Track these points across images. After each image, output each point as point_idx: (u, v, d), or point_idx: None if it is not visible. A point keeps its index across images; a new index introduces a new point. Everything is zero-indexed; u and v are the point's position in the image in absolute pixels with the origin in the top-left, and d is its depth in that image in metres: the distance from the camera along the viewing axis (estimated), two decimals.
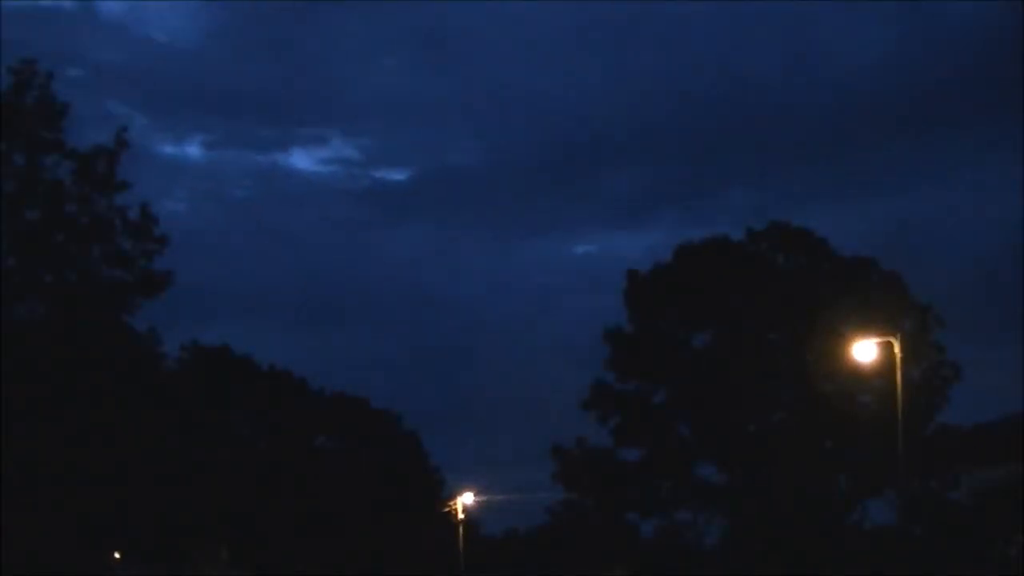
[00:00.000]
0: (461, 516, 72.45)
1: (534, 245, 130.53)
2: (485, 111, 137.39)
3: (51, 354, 36.11)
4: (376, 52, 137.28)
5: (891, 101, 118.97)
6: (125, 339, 38.11)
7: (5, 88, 35.42)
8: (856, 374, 49.49)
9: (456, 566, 72.05)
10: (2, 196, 34.99)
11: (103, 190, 36.10)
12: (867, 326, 40.97)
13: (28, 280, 35.75)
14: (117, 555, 51.57)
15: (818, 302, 54.86)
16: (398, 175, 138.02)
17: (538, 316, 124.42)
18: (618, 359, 58.61)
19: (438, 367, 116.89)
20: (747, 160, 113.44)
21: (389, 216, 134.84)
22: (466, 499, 73.51)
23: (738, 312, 56.83)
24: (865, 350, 36.62)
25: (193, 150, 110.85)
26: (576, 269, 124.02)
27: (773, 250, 58.91)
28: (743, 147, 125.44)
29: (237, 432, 74.83)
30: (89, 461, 35.93)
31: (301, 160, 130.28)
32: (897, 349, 35.61)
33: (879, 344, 36.23)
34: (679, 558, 58.05)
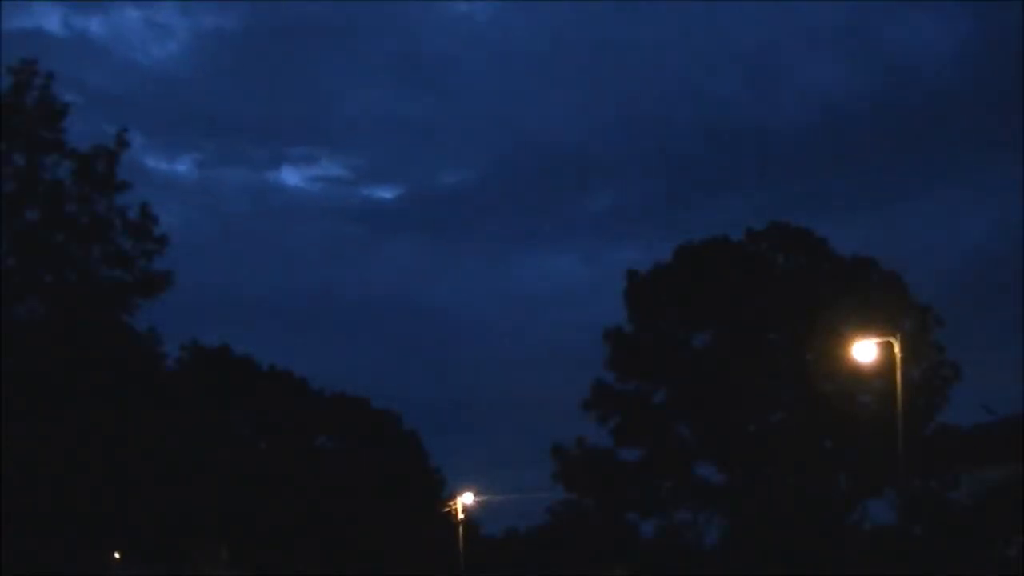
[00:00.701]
0: (461, 516, 72.45)
1: (520, 258, 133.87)
2: (469, 132, 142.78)
3: (51, 354, 36.11)
4: (362, 76, 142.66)
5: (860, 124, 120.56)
6: (125, 339, 38.10)
7: (5, 88, 35.43)
8: (856, 374, 49.47)
9: (456, 566, 72.05)
10: (2, 196, 34.98)
11: (103, 190, 36.09)
12: (867, 326, 40.97)
13: (28, 280, 35.73)
14: (117, 555, 51.58)
15: (818, 302, 54.85)
16: (387, 193, 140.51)
17: (527, 323, 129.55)
18: (618, 359, 58.60)
19: (434, 370, 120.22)
20: (721, 176, 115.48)
21: (379, 231, 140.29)
22: (466, 499, 73.53)
23: (738, 312, 56.80)
24: (865, 350, 36.61)
25: (185, 168, 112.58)
26: (561, 279, 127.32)
27: (773, 250, 58.91)
28: (716, 164, 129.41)
29: (237, 432, 74.83)
30: (89, 461, 35.93)
31: (291, 177, 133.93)
32: (897, 349, 35.61)
33: (879, 344, 36.22)
34: (679, 558, 58.04)
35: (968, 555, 25.59)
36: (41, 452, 35.26)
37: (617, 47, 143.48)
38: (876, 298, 54.21)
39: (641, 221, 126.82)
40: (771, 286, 56.77)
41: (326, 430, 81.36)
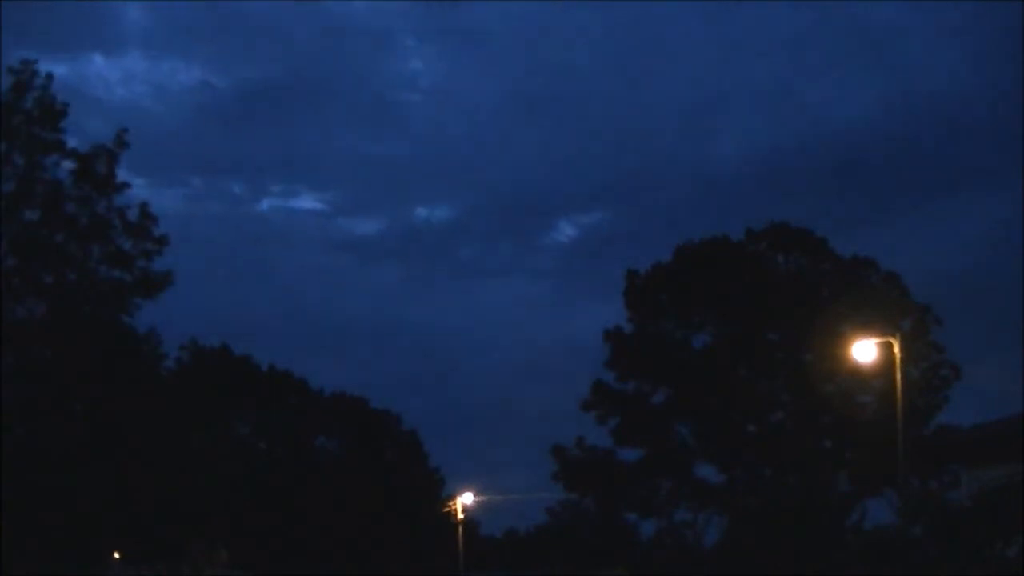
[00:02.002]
0: (461, 516, 72.43)
1: (496, 285, 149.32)
2: (444, 170, 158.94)
3: (51, 354, 36.12)
4: (336, 123, 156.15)
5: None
6: (125, 339, 38.10)
7: (5, 88, 35.45)
8: (856, 374, 49.48)
9: (456, 566, 72.02)
10: (2, 196, 34.98)
11: (103, 190, 36.09)
12: (867, 326, 40.95)
13: (28, 280, 35.73)
14: (117, 555, 51.55)
15: (818, 302, 54.88)
16: (367, 227, 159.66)
17: (502, 337, 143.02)
18: (618, 359, 58.59)
19: (426, 380, 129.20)
20: (665, 210, 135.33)
21: (362, 260, 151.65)
22: (466, 499, 73.49)
23: (738, 312, 56.80)
24: (865, 350, 36.56)
25: (172, 203, 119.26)
26: (530, 301, 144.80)
27: (773, 250, 58.90)
28: (660, 200, 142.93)
29: (237, 432, 74.85)
30: (89, 461, 35.93)
31: (275, 213, 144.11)
32: (897, 349, 35.58)
33: (879, 344, 36.18)
34: (679, 558, 57.99)
35: (968, 555, 25.59)
36: (41, 452, 35.28)
37: (567, 99, 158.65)
38: (876, 298, 54.21)
39: (600, 251, 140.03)
40: (771, 286, 56.75)
41: (326, 430, 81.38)
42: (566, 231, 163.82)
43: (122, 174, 36.45)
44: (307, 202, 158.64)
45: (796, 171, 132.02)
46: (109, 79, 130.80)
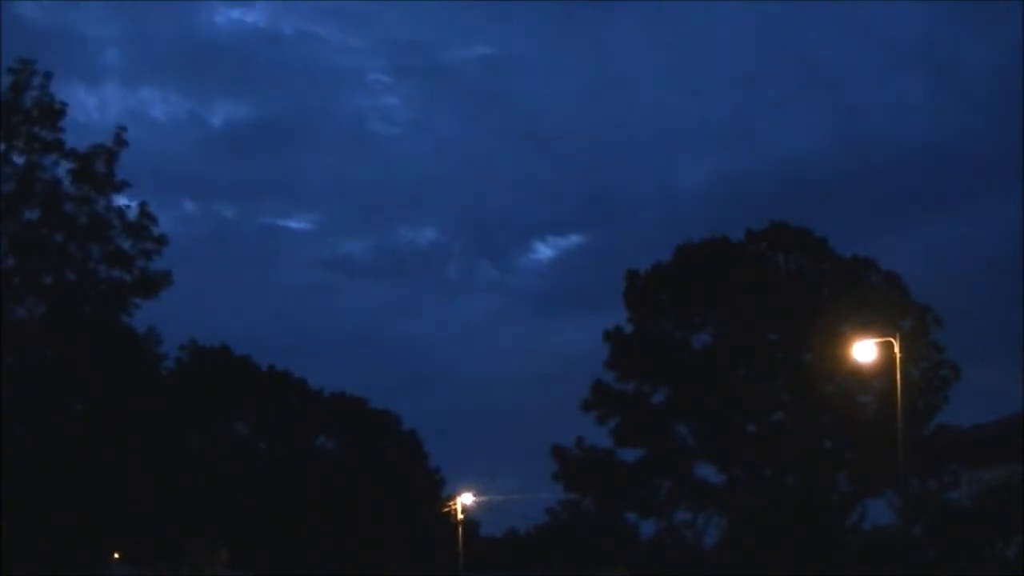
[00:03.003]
0: (461, 516, 72.45)
1: (471, 297, 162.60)
2: (424, 196, 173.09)
3: (51, 354, 36.11)
4: (319, 152, 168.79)
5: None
6: (125, 339, 38.09)
7: (4, 88, 35.42)
8: (856, 374, 49.44)
9: (456, 566, 72.05)
10: (2, 196, 34.97)
11: (102, 190, 36.07)
12: (867, 326, 40.94)
13: (28, 280, 35.72)
14: (117, 555, 51.56)
15: (818, 302, 54.85)
16: (354, 247, 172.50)
17: (486, 346, 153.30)
18: (617, 359, 58.56)
19: (420, 386, 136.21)
20: (641, 229, 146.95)
21: (350, 278, 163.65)
22: (466, 499, 73.53)
23: (738, 312, 56.76)
24: (865, 350, 36.55)
25: (165, 226, 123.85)
26: (516, 319, 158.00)
27: (773, 250, 58.87)
28: (634, 220, 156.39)
29: (237, 432, 74.86)
30: (89, 461, 35.92)
31: (264, 232, 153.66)
32: (897, 349, 35.56)
33: (879, 344, 36.16)
34: (679, 558, 57.95)
35: (968, 555, 25.57)
36: (41, 452, 35.26)
37: (540, 132, 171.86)
38: (876, 298, 54.19)
39: (575, 269, 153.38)
40: (771, 286, 56.71)
41: (326, 430, 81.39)
42: (543, 252, 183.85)
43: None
44: (296, 223, 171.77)
45: (753, 195, 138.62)
46: (88, 107, 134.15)
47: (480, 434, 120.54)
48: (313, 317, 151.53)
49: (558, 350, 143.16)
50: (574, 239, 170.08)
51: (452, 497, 75.63)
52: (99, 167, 35.78)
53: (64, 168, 35.63)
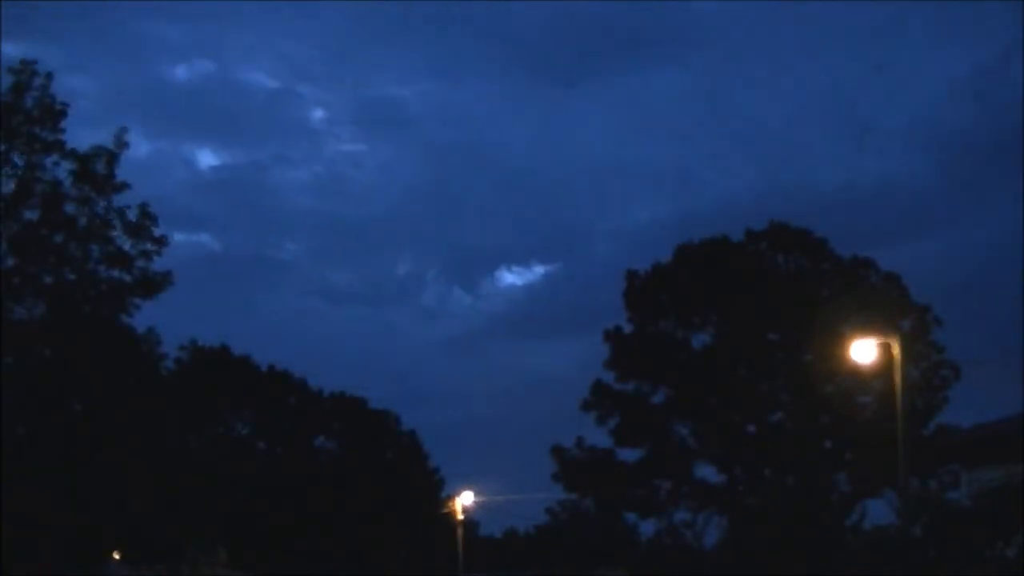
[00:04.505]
0: (461, 516, 72.44)
1: (454, 325, 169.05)
2: (397, 231, 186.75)
3: (51, 354, 36.12)
4: (297, 191, 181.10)
5: None
6: (125, 339, 38.11)
7: (5, 88, 35.43)
8: (856, 374, 49.43)
9: (456, 566, 72.04)
10: (2, 196, 34.98)
11: (102, 190, 36.08)
12: (867, 326, 40.88)
13: (28, 280, 35.72)
14: (117, 555, 51.59)
15: (818, 302, 54.83)
16: (338, 278, 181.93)
17: (470, 359, 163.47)
18: (617, 359, 58.57)
19: (416, 394, 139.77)
20: (598, 258, 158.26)
21: (333, 303, 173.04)
22: (465, 499, 73.49)
23: (738, 312, 56.79)
24: (865, 350, 36.49)
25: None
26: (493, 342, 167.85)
27: (773, 250, 58.88)
28: (592, 251, 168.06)
29: (237, 432, 74.89)
30: (89, 460, 35.94)
31: (253, 262, 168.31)
32: (897, 349, 35.54)
33: (879, 344, 36.12)
34: (679, 558, 57.98)
35: (968, 555, 25.56)
36: (41, 452, 35.28)
37: (500, 171, 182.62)
38: (876, 298, 54.18)
39: (539, 295, 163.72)
40: (771, 286, 56.72)
41: (326, 430, 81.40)
42: (508, 279, 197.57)
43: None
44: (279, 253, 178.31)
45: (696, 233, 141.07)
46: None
47: (474, 437, 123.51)
48: (298, 340, 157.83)
49: (536, 368, 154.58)
50: (537, 268, 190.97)
51: (452, 497, 75.60)
52: (99, 168, 35.80)
53: (64, 169, 35.65)
